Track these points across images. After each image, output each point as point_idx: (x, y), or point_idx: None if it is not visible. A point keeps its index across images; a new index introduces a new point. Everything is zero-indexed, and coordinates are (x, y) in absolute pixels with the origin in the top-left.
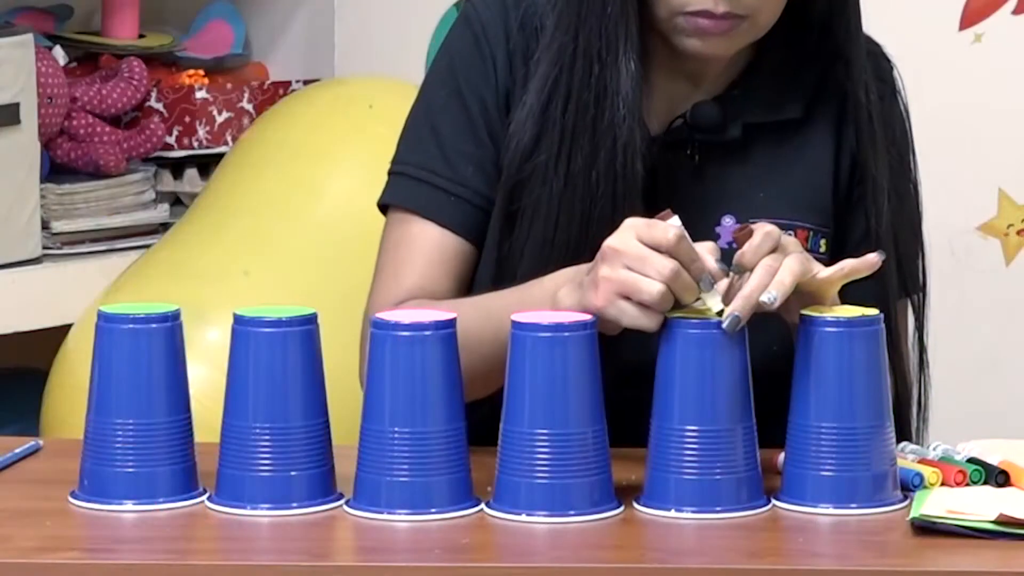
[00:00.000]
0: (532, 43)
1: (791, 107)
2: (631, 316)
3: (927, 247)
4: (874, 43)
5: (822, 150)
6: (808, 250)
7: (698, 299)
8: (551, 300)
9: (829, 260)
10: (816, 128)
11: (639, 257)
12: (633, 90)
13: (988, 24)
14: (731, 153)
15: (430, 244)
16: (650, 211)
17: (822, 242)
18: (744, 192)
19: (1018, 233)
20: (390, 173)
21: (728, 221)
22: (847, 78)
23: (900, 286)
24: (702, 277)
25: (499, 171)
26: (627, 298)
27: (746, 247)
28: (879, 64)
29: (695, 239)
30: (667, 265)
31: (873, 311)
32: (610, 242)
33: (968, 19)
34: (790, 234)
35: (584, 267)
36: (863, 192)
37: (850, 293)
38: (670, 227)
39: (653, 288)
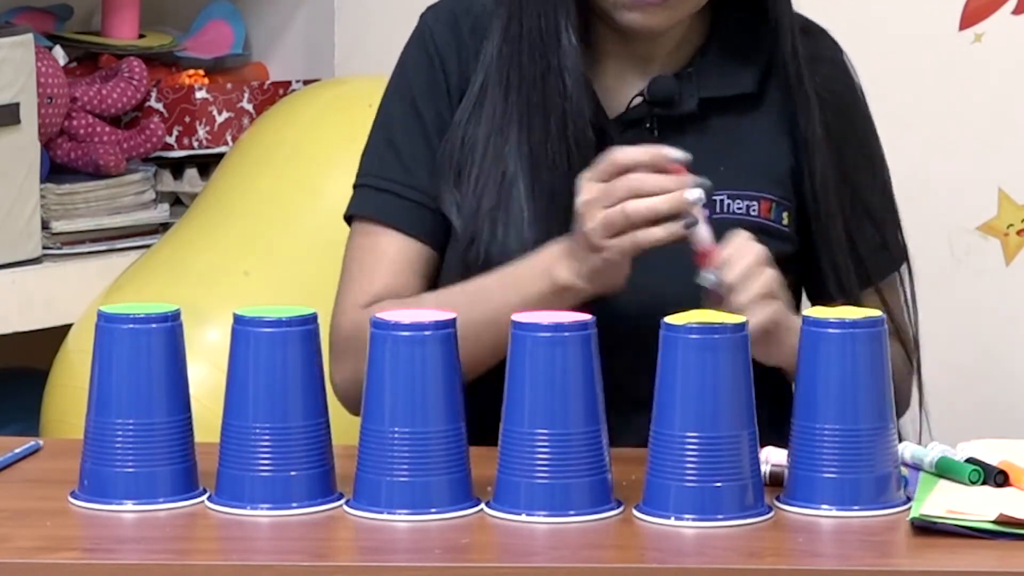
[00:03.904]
0: (484, 45)
1: (744, 81)
2: (636, 241)
3: (902, 223)
4: (814, 25)
5: (778, 123)
6: (771, 222)
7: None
8: (549, 281)
9: (794, 235)
10: (772, 102)
11: (607, 195)
12: (575, 63)
13: (988, 24)
14: (689, 127)
15: (393, 248)
16: None
17: (784, 215)
18: (705, 165)
19: (1018, 233)
20: (354, 187)
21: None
22: (775, 44)
23: (862, 276)
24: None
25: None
26: (620, 233)
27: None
28: (822, 43)
29: None
30: (631, 185)
31: (876, 312)
32: (578, 204)
33: (968, 19)
34: (754, 204)
35: (564, 242)
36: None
37: (815, 289)
38: (609, 158)
39: (640, 206)
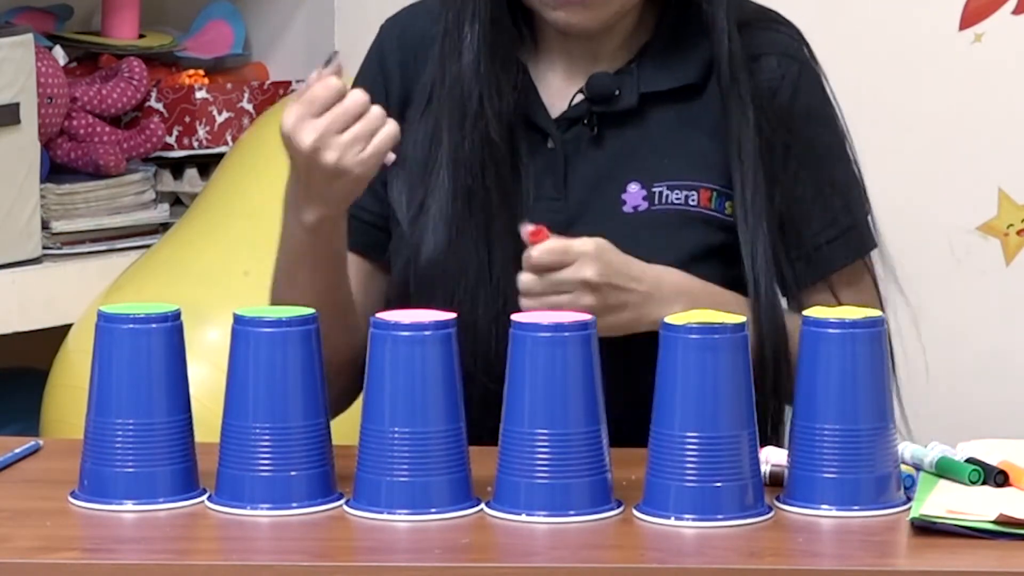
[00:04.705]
0: (431, 51)
1: (687, 74)
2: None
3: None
4: (769, 16)
5: (721, 112)
6: (711, 211)
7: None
8: (301, 227)
9: (735, 224)
10: (714, 91)
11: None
12: (472, 65)
13: (988, 24)
14: (629, 121)
15: None
16: (550, 182)
17: (727, 204)
18: (646, 158)
19: (1018, 233)
20: None
21: (633, 187)
22: (709, 46)
23: (784, 284)
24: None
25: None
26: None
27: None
28: (774, 36)
29: (602, 207)
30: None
31: (876, 312)
32: (304, 144)
33: (968, 19)
34: (693, 194)
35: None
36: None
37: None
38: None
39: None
